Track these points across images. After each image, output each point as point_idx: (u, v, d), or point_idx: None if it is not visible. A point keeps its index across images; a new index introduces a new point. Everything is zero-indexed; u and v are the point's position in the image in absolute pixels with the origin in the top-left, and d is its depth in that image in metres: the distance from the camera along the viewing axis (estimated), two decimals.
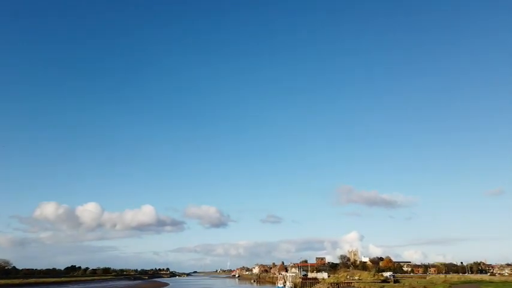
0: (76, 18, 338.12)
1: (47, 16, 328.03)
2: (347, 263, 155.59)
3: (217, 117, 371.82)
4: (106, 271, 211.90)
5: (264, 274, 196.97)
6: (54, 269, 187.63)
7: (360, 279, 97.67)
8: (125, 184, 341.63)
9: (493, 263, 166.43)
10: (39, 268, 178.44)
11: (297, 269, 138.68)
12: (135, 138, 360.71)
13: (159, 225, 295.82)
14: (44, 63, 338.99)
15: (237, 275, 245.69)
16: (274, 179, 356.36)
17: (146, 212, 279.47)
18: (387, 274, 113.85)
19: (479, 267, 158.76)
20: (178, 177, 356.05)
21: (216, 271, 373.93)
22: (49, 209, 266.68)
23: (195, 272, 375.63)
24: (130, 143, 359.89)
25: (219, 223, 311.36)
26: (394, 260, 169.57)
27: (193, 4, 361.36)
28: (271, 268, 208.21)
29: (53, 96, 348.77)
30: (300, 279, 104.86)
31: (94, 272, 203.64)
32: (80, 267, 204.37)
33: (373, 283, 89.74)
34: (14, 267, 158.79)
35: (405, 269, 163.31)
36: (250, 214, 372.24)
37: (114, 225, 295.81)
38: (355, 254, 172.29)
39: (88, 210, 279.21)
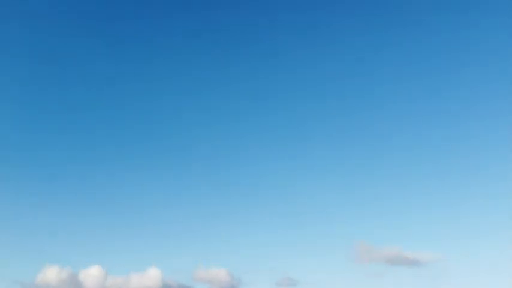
0: None
1: None
2: None
3: (226, 175, 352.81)
4: None
5: None
6: None
7: None
8: (129, 245, 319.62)
9: None
10: None
11: None
12: (140, 198, 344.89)
13: None
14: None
15: None
16: (287, 236, 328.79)
17: (152, 276, 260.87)
18: None
19: None
20: (185, 237, 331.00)
21: None
22: (51, 274, 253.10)
23: None
24: (135, 202, 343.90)
25: None
26: None
27: None
28: None
29: (54, 159, 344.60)
30: None
31: None
32: None
33: None
34: None
35: None
36: (263, 276, 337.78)
37: None
38: None
39: (91, 275, 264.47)
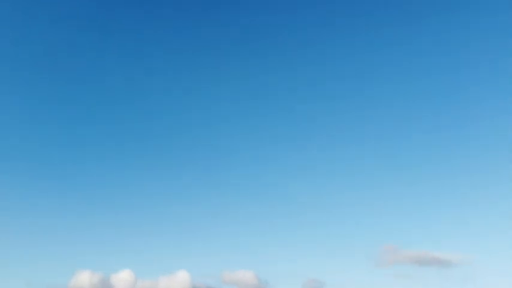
0: None
1: None
2: None
3: (252, 177, 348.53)
4: None
5: None
6: None
7: None
8: (158, 249, 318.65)
9: None
10: None
11: None
12: (169, 203, 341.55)
13: None
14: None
15: None
16: (312, 238, 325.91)
17: (181, 279, 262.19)
18: None
19: None
20: (213, 239, 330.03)
21: None
22: (84, 278, 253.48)
23: None
24: (163, 206, 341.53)
25: None
26: None
27: None
28: None
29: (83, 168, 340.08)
30: None
31: None
32: None
33: None
34: None
35: None
36: (289, 279, 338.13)
37: None
38: None
39: (122, 279, 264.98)
